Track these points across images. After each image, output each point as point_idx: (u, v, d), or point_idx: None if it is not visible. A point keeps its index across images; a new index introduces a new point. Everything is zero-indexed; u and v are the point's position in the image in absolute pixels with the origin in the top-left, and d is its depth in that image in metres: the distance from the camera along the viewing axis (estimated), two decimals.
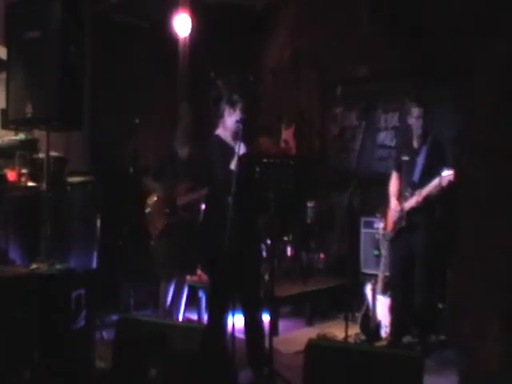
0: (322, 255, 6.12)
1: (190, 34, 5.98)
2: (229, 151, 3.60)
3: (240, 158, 3.43)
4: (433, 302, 4.57)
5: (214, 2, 6.31)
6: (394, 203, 4.47)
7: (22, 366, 2.95)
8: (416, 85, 5.36)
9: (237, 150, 3.46)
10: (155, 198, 4.53)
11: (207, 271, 4.27)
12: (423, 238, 4.32)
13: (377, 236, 5.17)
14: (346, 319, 3.94)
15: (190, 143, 4.55)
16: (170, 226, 4.43)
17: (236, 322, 3.41)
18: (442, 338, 4.60)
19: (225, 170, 3.53)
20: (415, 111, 4.36)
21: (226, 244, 3.26)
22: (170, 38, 5.95)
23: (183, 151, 4.55)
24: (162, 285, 4.54)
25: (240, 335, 3.70)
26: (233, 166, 3.50)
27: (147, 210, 4.54)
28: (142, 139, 5.30)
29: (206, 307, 4.77)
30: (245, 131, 3.55)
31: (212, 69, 4.42)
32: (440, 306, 4.71)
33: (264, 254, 4.91)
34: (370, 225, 5.51)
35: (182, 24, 5.87)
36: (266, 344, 3.55)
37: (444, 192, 4.16)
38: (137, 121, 5.07)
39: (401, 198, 4.44)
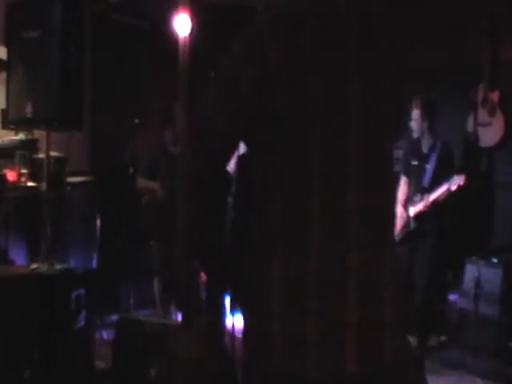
0: None
1: (190, 34, 5.98)
2: None
3: (240, 158, 3.43)
4: (433, 302, 4.57)
5: (214, 2, 6.31)
6: (399, 209, 4.42)
7: (22, 366, 2.95)
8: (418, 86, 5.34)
9: (237, 150, 3.46)
10: (150, 197, 4.52)
11: (207, 271, 4.26)
12: (431, 241, 4.31)
13: None
14: None
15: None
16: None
17: (236, 322, 3.41)
18: (442, 338, 4.60)
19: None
20: (416, 113, 4.33)
21: (225, 244, 3.26)
22: (170, 38, 5.94)
23: (176, 149, 4.58)
24: (157, 284, 4.55)
25: (240, 335, 3.70)
26: (229, 167, 3.51)
27: (144, 209, 4.54)
28: (142, 139, 5.30)
29: (206, 307, 4.77)
30: None
31: (212, 69, 4.42)
32: (440, 306, 4.72)
33: None
34: None
35: (182, 24, 5.86)
36: None
37: (452, 196, 4.15)
38: (137, 121, 5.06)
39: (408, 203, 4.41)
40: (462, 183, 4.04)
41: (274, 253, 1.18)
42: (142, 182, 4.58)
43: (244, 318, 1.31)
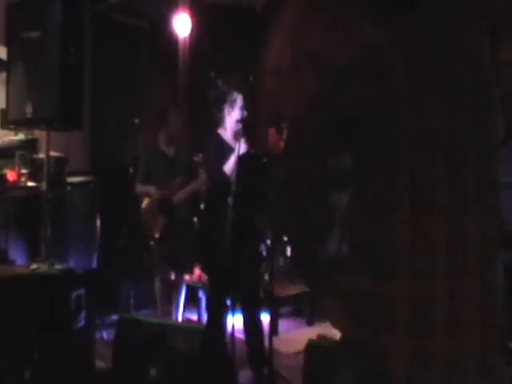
0: None
1: (190, 34, 5.98)
2: (228, 151, 3.61)
3: (240, 158, 3.43)
4: None
5: (214, 2, 6.31)
6: None
7: (22, 366, 2.95)
8: None
9: (237, 150, 3.46)
10: (147, 201, 4.54)
11: (207, 271, 4.27)
12: None
13: None
14: None
15: (175, 142, 4.61)
16: (169, 226, 4.43)
17: (236, 321, 3.41)
18: None
19: (222, 169, 3.54)
20: None
21: (225, 244, 3.26)
22: (170, 38, 5.95)
23: (170, 150, 4.59)
24: (157, 283, 4.55)
25: (240, 335, 3.70)
26: (227, 167, 3.52)
27: (142, 214, 4.55)
28: (141, 139, 5.30)
29: (206, 307, 4.78)
30: (246, 130, 3.56)
31: (212, 69, 4.43)
32: None
33: (264, 253, 4.90)
34: None
35: (182, 24, 5.87)
36: (266, 344, 3.55)
37: None
38: (137, 121, 5.07)
39: None
40: None
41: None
42: (139, 188, 4.61)
43: None
